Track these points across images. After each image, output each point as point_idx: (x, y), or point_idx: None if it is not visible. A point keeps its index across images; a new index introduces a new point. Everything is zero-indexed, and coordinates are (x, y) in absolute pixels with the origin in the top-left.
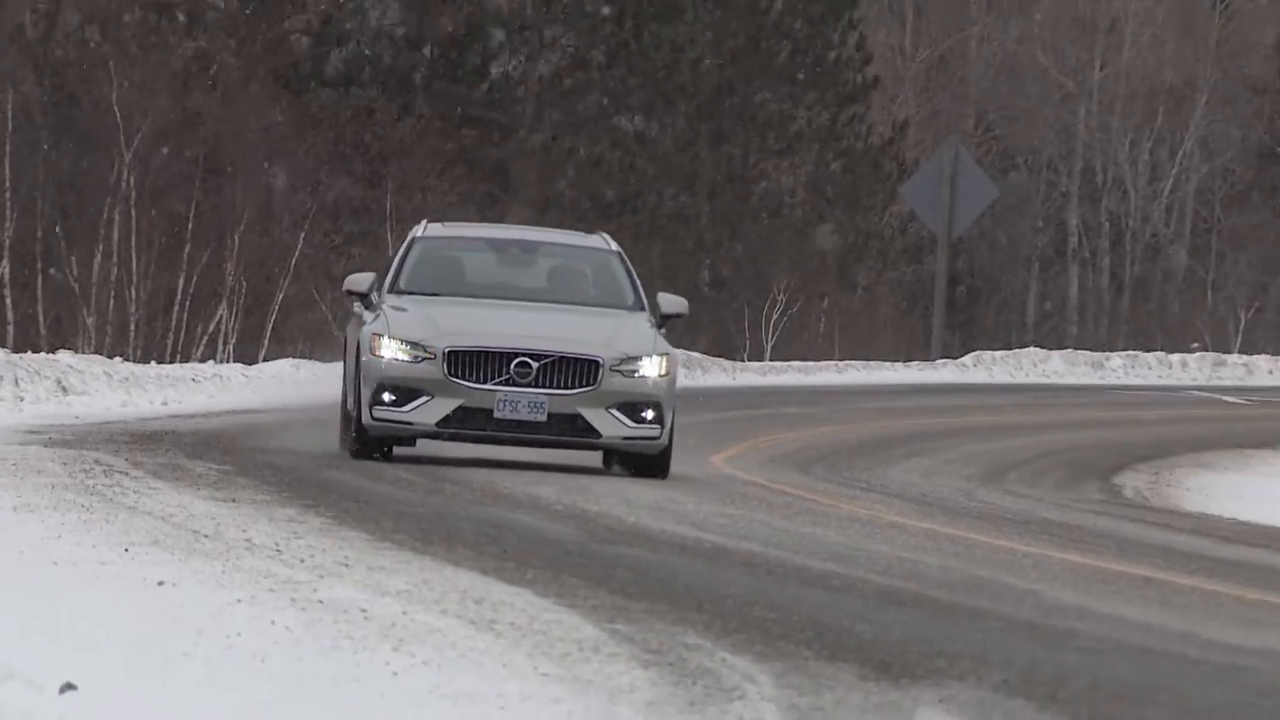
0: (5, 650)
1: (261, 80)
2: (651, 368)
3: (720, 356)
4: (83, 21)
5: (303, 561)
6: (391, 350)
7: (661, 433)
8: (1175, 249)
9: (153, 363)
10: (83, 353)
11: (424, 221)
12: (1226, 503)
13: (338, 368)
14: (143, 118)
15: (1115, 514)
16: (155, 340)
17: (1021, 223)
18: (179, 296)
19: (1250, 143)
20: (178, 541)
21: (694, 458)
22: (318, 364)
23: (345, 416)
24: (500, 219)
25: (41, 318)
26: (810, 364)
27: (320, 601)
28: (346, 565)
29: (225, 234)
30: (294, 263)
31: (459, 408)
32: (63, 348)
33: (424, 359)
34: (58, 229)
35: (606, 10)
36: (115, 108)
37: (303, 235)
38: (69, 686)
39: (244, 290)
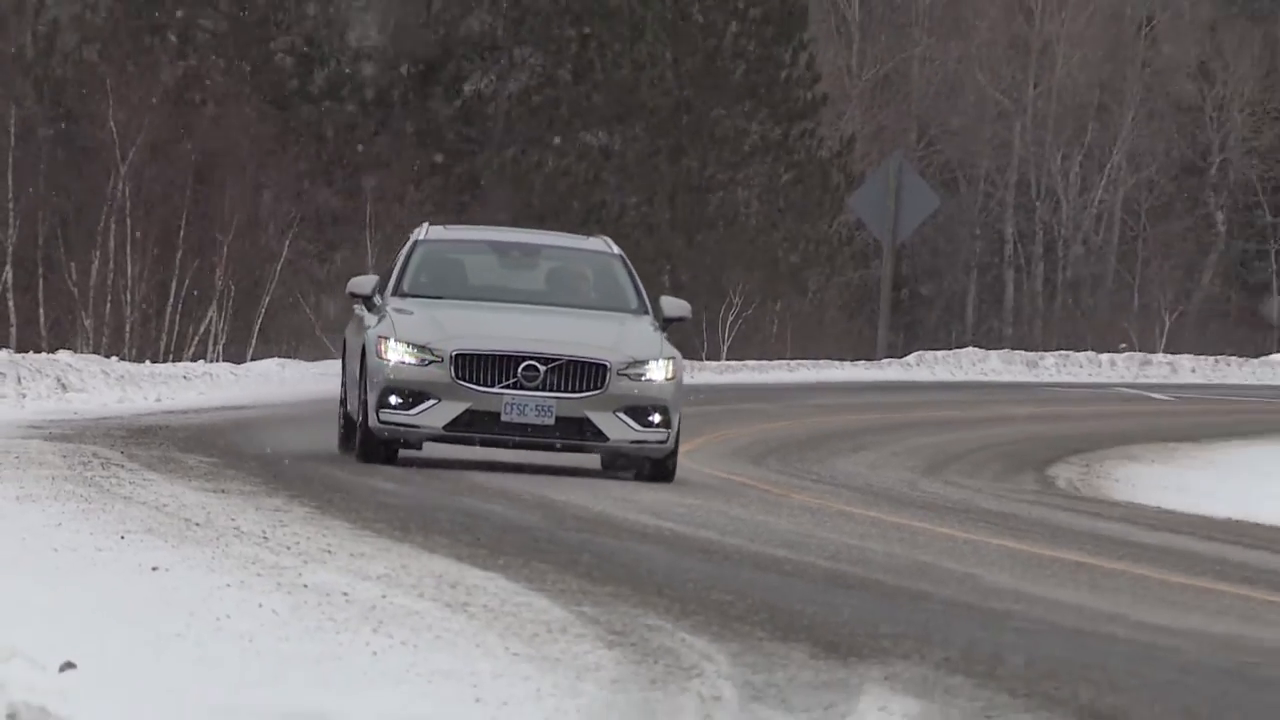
0: (9, 631)
1: (249, 97)
2: (658, 371)
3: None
4: (80, 42)
5: (288, 548)
6: (398, 353)
7: (668, 436)
8: (1104, 255)
9: (147, 362)
10: (81, 352)
11: (425, 224)
12: (1152, 493)
13: (321, 366)
14: (137, 132)
15: (1049, 503)
16: (149, 340)
17: (961, 230)
18: (171, 299)
19: (1173, 156)
20: (171, 529)
21: None
22: (302, 363)
23: (346, 418)
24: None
25: (42, 319)
26: (764, 363)
27: (305, 586)
28: (329, 552)
29: (215, 241)
30: (279, 268)
31: (466, 411)
32: (62, 348)
33: (431, 362)
34: (58, 237)
35: (572, 32)
36: (111, 123)
37: (287, 242)
38: (69, 665)
39: (232, 293)
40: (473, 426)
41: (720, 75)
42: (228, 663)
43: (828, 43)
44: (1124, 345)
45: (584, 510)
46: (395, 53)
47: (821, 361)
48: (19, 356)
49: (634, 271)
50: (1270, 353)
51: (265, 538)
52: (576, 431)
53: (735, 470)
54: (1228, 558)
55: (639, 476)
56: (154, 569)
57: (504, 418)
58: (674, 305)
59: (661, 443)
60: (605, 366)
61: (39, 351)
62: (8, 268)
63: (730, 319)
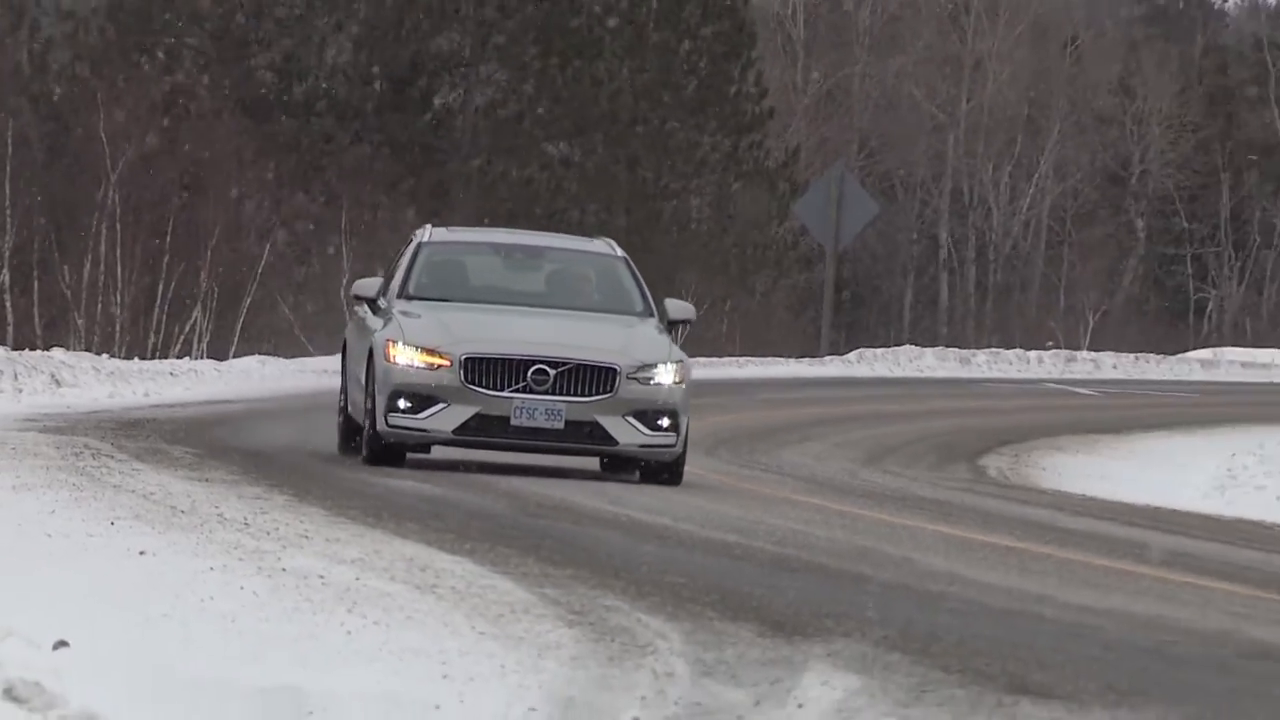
0: (5, 612)
1: (231, 110)
2: (667, 375)
3: None
4: (73, 59)
5: (268, 534)
6: (407, 357)
7: (677, 440)
8: (1032, 259)
9: (136, 359)
10: (74, 350)
11: (427, 227)
12: (1077, 481)
13: (298, 363)
14: (126, 143)
15: (980, 491)
16: (138, 339)
17: (899, 236)
18: (159, 300)
19: (1097, 166)
20: (157, 516)
21: None
22: (281, 360)
23: (346, 421)
24: None
25: (37, 319)
26: (714, 359)
27: (283, 569)
28: (307, 537)
29: (199, 245)
30: (260, 271)
31: (476, 415)
32: (56, 345)
33: (440, 366)
34: (52, 241)
35: (535, 50)
36: (102, 135)
37: (267, 246)
38: (62, 644)
39: (216, 295)
40: (482, 431)
41: (674, 91)
42: (211, 641)
43: (774, 60)
44: (1050, 343)
45: (546, 498)
46: (369, 69)
47: (769, 359)
48: (15, 354)
49: (638, 274)
50: (1187, 350)
51: (246, 524)
52: (586, 436)
53: (688, 460)
54: (1147, 542)
55: (646, 480)
56: (142, 553)
57: (513, 422)
58: (679, 308)
59: (670, 447)
60: (615, 370)
61: (34, 349)
62: (5, 270)
63: None
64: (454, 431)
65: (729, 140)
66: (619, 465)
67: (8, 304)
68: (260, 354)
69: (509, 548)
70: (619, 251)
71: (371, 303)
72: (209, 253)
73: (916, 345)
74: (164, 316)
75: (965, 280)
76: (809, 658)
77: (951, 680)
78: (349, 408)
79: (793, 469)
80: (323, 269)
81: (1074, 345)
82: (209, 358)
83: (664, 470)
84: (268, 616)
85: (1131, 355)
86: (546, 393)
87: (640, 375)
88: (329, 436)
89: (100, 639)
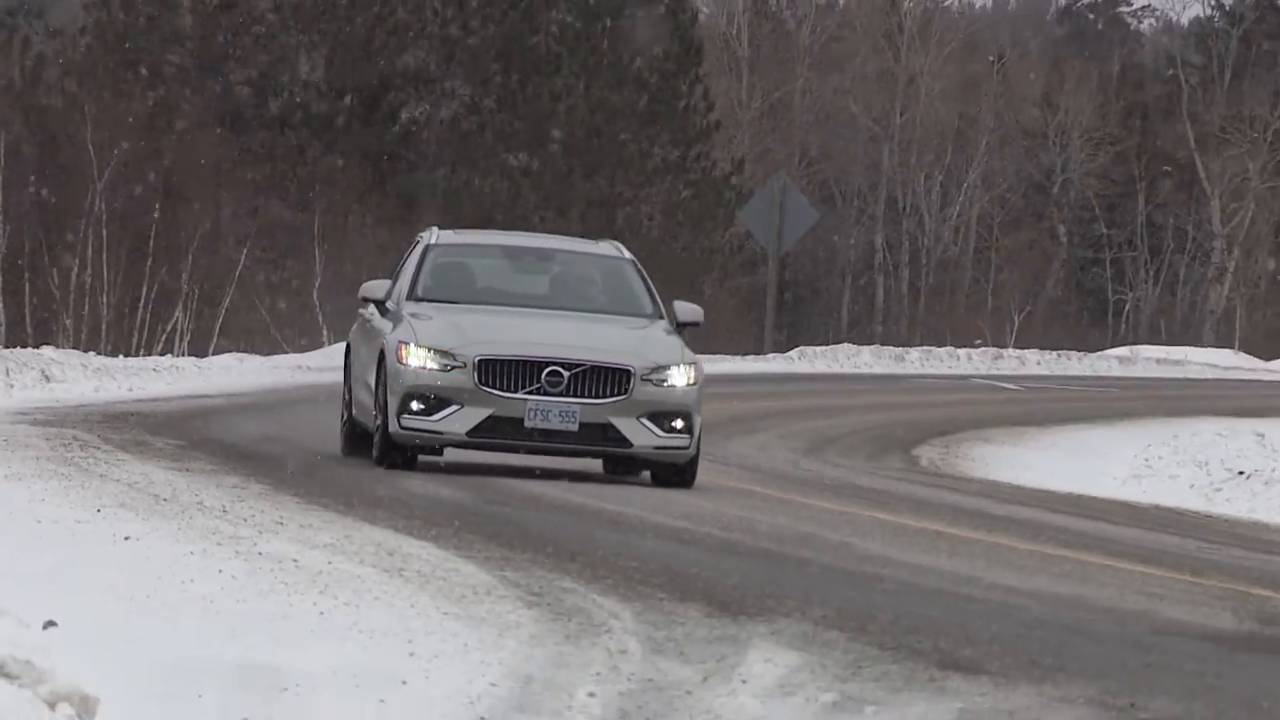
0: None
1: (210, 123)
2: (680, 377)
3: None
4: (62, 75)
5: (245, 520)
6: (420, 358)
7: (690, 442)
8: (961, 263)
9: (121, 356)
10: (62, 347)
11: (433, 229)
12: (1004, 471)
13: (274, 360)
14: (112, 153)
15: (913, 480)
16: (123, 337)
17: (837, 241)
18: (142, 301)
19: (1022, 176)
20: (141, 503)
21: None
22: (257, 357)
23: (350, 423)
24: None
25: (28, 318)
26: None
27: (260, 553)
28: (281, 523)
29: (181, 250)
30: (238, 274)
31: (489, 417)
32: (45, 343)
33: (454, 368)
34: (42, 245)
35: (496, 67)
36: (89, 145)
37: (245, 251)
38: (51, 624)
39: (196, 296)
40: (496, 432)
41: (626, 104)
42: (192, 621)
43: (720, 77)
44: (979, 341)
45: (508, 487)
46: (340, 84)
47: (715, 356)
48: (7, 351)
49: (646, 276)
50: (1106, 348)
51: (225, 511)
52: (600, 437)
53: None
54: (1069, 527)
55: (657, 483)
56: (126, 539)
57: (527, 424)
58: (688, 310)
59: (684, 449)
60: (629, 372)
61: (25, 347)
62: None
63: None
64: (468, 433)
65: (678, 151)
66: (627, 467)
67: (0, 305)
68: (238, 351)
69: (473, 533)
70: (626, 254)
71: (379, 304)
72: (190, 257)
73: (854, 343)
74: (147, 316)
75: (899, 282)
76: (753, 636)
77: (886, 657)
78: (354, 410)
79: (739, 459)
80: (297, 272)
81: (1001, 343)
82: (190, 355)
83: (676, 473)
84: (245, 598)
85: (1054, 353)
86: (561, 394)
87: (654, 377)
88: (305, 429)
89: (87, 619)
